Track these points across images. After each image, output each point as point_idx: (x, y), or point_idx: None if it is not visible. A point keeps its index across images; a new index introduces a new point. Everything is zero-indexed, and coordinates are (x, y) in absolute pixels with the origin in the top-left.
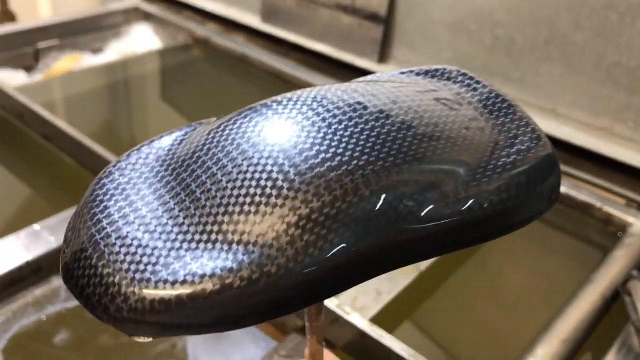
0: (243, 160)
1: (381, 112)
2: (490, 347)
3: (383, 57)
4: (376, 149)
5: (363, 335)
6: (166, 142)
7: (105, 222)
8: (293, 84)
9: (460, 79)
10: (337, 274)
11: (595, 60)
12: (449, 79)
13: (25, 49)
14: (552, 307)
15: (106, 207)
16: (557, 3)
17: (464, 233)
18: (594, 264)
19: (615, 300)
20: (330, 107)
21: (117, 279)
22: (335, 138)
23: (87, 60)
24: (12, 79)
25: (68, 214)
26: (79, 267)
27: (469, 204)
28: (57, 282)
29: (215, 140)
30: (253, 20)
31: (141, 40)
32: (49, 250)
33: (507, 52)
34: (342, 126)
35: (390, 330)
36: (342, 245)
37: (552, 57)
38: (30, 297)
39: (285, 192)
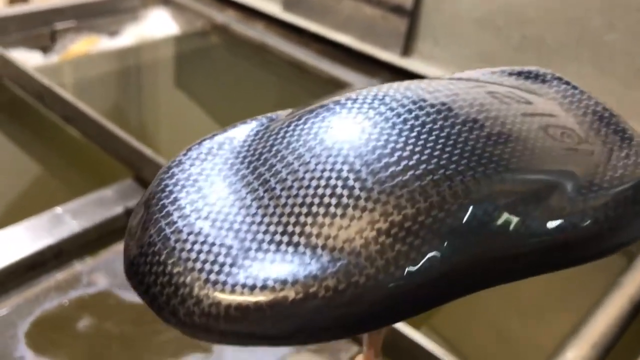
0: (328, 157)
1: (469, 115)
2: (510, 351)
3: (407, 50)
4: (471, 157)
5: (392, 330)
6: (242, 131)
7: (175, 215)
8: (313, 74)
9: (555, 82)
10: (426, 290)
11: (626, 62)
12: (543, 82)
13: (42, 29)
14: (575, 311)
15: (176, 199)
16: (590, 2)
17: (563, 252)
18: (619, 267)
19: None
20: (412, 106)
21: (188, 279)
22: (439, 143)
23: (104, 43)
24: (28, 59)
25: (91, 197)
26: (145, 262)
27: (574, 219)
28: (79, 266)
29: (296, 134)
30: (274, 8)
31: (158, 25)
32: (71, 234)
33: (535, 50)
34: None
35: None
36: (436, 258)
37: (581, 57)
38: (52, 281)
39: (375, 194)
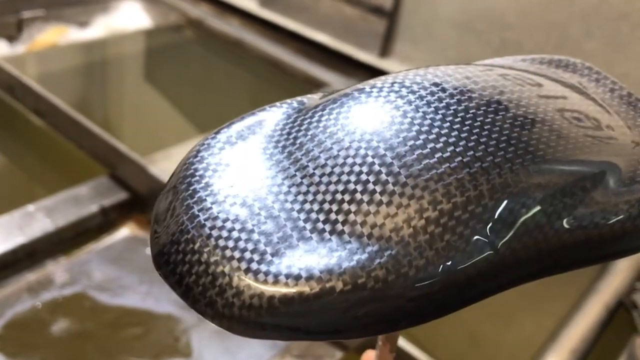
0: (369, 142)
1: (500, 103)
2: (485, 356)
3: (385, 51)
4: (517, 144)
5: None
6: (273, 115)
7: (209, 200)
8: (289, 73)
9: (586, 72)
10: (473, 283)
11: (603, 69)
12: (574, 71)
13: (8, 17)
14: (550, 316)
15: (208, 184)
16: (570, 9)
17: (605, 246)
18: (594, 273)
19: (618, 310)
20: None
21: (227, 269)
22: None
23: (73, 34)
24: None
25: (64, 195)
26: (177, 251)
27: (619, 213)
28: (52, 267)
29: (332, 117)
30: (250, 4)
31: (130, 17)
32: (44, 233)
33: (515, 54)
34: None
35: None
36: (485, 249)
37: None
38: (24, 282)
39: (423, 181)
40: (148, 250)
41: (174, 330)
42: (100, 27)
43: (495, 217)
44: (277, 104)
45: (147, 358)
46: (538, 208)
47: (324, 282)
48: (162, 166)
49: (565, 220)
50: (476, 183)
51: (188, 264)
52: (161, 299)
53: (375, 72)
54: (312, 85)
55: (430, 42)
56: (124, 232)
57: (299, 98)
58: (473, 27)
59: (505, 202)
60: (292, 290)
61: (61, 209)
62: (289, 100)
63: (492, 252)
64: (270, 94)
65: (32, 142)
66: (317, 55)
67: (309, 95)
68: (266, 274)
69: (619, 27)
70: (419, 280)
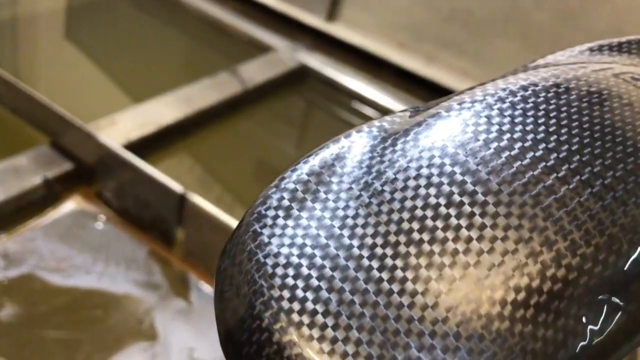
0: (456, 156)
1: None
2: None
3: (332, 15)
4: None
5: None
6: (357, 153)
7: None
8: (231, 35)
9: None
10: None
11: (551, 41)
12: None
13: None
14: None
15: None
16: None
17: None
18: None
19: None
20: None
21: None
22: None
23: None
24: None
25: (2, 166)
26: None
27: None
28: None
29: (418, 139)
30: None
31: None
32: None
33: (464, 23)
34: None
35: None
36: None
37: (508, 33)
38: None
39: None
40: (98, 226)
41: (135, 312)
42: None
43: (629, 265)
44: (354, 134)
45: (108, 343)
46: None
47: None
48: (110, 133)
49: None
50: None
51: None
52: (118, 279)
53: (322, 37)
54: (255, 48)
55: (379, 7)
56: (70, 205)
57: (377, 123)
58: None
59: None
60: None
61: (0, 181)
62: (366, 128)
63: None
64: (209, 58)
65: None
66: (261, 18)
67: (387, 118)
68: None
69: (569, 0)
70: None
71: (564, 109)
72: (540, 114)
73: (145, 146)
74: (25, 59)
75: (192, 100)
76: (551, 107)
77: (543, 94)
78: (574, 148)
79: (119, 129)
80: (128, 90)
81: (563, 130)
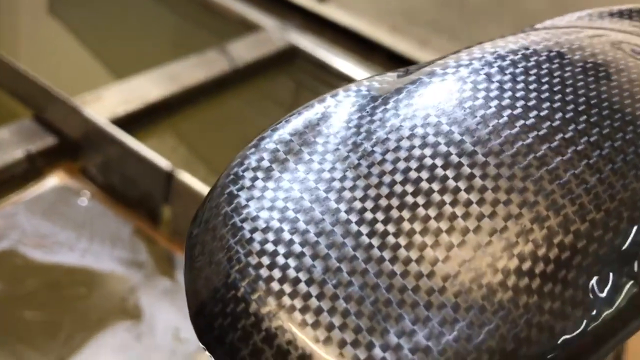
0: (452, 119)
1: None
2: None
3: None
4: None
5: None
6: (338, 113)
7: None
8: (219, 14)
9: None
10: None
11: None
12: None
13: None
14: None
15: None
16: None
17: None
18: None
19: None
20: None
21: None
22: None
23: None
24: None
25: None
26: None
27: None
28: None
29: (410, 102)
30: None
31: None
32: None
33: (458, 9)
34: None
35: None
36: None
37: (502, 19)
38: None
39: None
40: (82, 202)
41: (120, 290)
42: None
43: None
44: (341, 93)
45: (92, 322)
46: None
47: None
48: (95, 108)
49: None
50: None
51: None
52: (102, 257)
53: (312, 17)
54: (244, 27)
55: None
56: (53, 181)
57: (366, 83)
58: None
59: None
60: None
61: None
62: (354, 87)
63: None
64: (197, 36)
65: None
66: None
67: (377, 78)
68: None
69: None
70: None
71: (560, 73)
72: (542, 72)
73: (130, 123)
74: (7, 34)
75: (179, 77)
76: (554, 66)
77: (545, 54)
78: (580, 108)
79: (103, 105)
80: (113, 67)
81: (568, 90)
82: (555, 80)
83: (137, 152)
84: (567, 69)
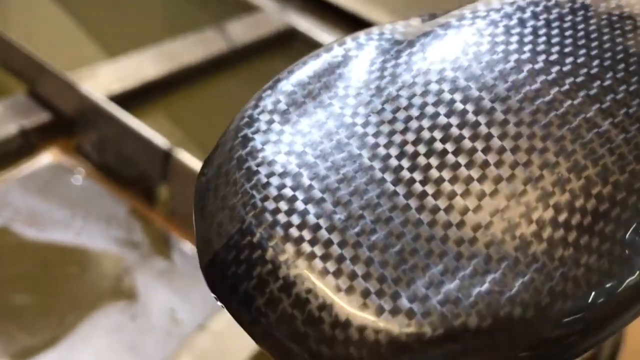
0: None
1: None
2: None
3: None
4: None
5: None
6: (367, 56)
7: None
8: None
9: None
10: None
11: None
12: None
13: None
14: None
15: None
16: None
17: None
18: None
19: None
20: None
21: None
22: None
23: None
24: None
25: None
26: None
27: None
28: None
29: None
30: None
31: None
32: None
33: None
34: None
35: None
36: None
37: None
38: None
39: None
40: (77, 180)
41: (114, 270)
42: None
43: None
44: (362, 36)
45: (85, 303)
46: None
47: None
48: (90, 85)
49: None
50: None
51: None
52: (97, 236)
53: None
54: (242, 7)
55: None
56: (47, 158)
57: (389, 26)
58: None
59: None
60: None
61: None
62: (376, 30)
63: None
64: (193, 15)
65: None
66: None
67: (401, 22)
68: (395, 308)
69: None
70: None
71: (584, 26)
72: (565, 25)
73: (125, 101)
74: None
75: (175, 55)
76: (578, 19)
77: (568, 5)
78: (605, 64)
79: (98, 82)
80: (107, 44)
81: (593, 44)
82: (580, 34)
83: (134, 130)
84: (592, 21)
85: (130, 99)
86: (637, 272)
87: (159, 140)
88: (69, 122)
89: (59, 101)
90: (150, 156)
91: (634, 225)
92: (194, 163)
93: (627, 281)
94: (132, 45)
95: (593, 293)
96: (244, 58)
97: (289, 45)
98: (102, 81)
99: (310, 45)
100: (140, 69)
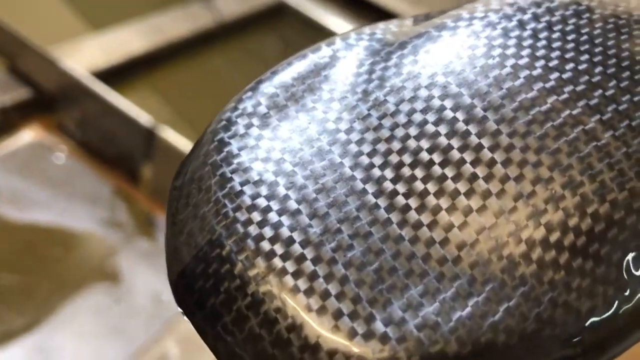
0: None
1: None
2: None
3: None
4: None
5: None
6: (355, 57)
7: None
8: None
9: None
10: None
11: None
12: None
13: None
14: None
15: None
16: None
17: None
18: None
19: None
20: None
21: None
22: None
23: None
24: None
25: None
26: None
27: None
28: None
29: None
30: None
31: None
32: None
33: None
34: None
35: None
36: None
37: None
38: None
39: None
40: (59, 159)
41: (98, 251)
42: None
43: None
44: (352, 36)
45: (69, 284)
46: None
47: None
48: (73, 60)
49: None
50: None
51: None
52: (80, 216)
53: None
54: None
55: None
56: (27, 136)
57: (382, 26)
58: None
59: None
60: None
61: None
62: (367, 30)
63: None
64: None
65: None
66: None
67: (394, 21)
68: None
69: None
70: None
71: (588, 30)
72: (568, 29)
73: (110, 77)
74: None
75: (162, 29)
76: (582, 22)
77: (572, 7)
78: (609, 71)
79: (82, 56)
80: (91, 17)
81: (597, 50)
82: (583, 38)
83: (117, 107)
84: (597, 25)
85: (114, 75)
86: (634, 297)
87: (143, 117)
88: (50, 99)
89: (40, 77)
90: (134, 134)
91: (632, 247)
92: (179, 141)
93: (623, 306)
94: (117, 19)
95: (585, 320)
96: (232, 33)
97: (279, 20)
98: (85, 56)
99: (301, 21)
100: (126, 43)
